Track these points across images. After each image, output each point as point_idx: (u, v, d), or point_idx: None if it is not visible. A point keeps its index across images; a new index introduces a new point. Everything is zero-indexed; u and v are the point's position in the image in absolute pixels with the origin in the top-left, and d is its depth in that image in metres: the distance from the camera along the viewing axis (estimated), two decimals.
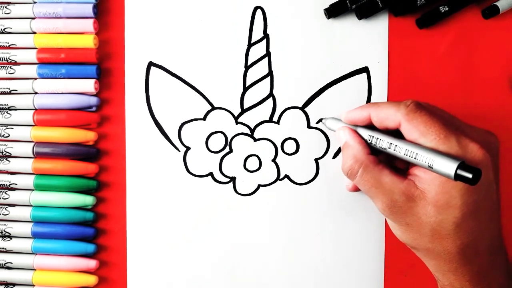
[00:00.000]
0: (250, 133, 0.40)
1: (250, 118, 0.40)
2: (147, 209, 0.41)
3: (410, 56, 0.40)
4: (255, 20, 0.40)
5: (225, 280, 0.41)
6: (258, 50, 0.40)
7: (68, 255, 0.40)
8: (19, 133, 0.40)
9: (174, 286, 0.41)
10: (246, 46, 0.40)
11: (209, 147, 0.40)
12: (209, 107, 0.40)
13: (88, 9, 0.39)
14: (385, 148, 0.33)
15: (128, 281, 0.41)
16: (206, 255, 0.41)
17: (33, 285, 0.40)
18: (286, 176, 0.41)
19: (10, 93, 0.40)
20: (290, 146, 0.40)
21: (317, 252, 0.41)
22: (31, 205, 0.40)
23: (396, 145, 0.32)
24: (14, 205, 0.40)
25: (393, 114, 0.32)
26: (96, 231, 0.41)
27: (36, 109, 0.40)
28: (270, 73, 0.40)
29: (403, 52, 0.40)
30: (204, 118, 0.40)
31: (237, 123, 0.40)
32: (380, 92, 0.40)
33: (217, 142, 0.40)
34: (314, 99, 0.40)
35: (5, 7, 0.39)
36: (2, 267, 0.40)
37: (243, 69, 0.40)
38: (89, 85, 0.39)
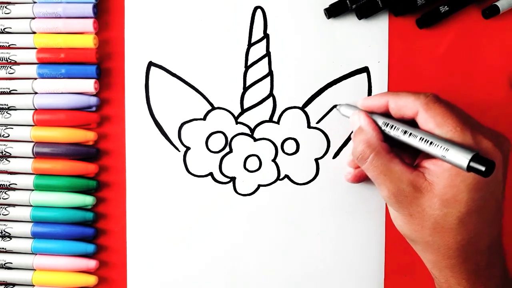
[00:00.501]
0: (250, 133, 0.40)
1: (250, 118, 0.40)
2: (147, 209, 0.41)
3: (410, 56, 0.40)
4: (255, 20, 0.40)
5: (225, 280, 0.41)
6: (258, 50, 0.40)
7: (68, 255, 0.40)
8: (19, 133, 0.40)
9: (174, 286, 0.41)
10: (246, 46, 0.40)
11: (209, 147, 0.40)
12: (209, 107, 0.40)
13: (88, 9, 0.39)
14: (398, 136, 0.33)
15: (128, 281, 0.41)
16: (206, 255, 0.41)
17: (33, 285, 0.40)
18: (286, 176, 0.41)
19: (10, 93, 0.40)
20: (290, 146, 0.40)
21: (317, 252, 0.41)
22: (31, 205, 0.40)
23: (411, 133, 0.33)
24: (14, 205, 0.40)
25: (411, 102, 0.33)
26: (96, 231, 0.41)
27: (36, 109, 0.40)
28: (270, 73, 0.40)
29: (403, 52, 0.40)
30: (204, 118, 0.40)
31: (237, 123, 0.40)
32: (380, 92, 0.40)
33: (217, 142, 0.40)
34: (314, 99, 0.40)
35: (5, 7, 0.39)
36: (2, 267, 0.40)
37: (243, 69, 0.40)
38: (89, 85, 0.39)
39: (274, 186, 0.41)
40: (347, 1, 0.38)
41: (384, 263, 0.41)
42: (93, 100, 0.40)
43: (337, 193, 0.40)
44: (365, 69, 0.40)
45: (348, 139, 0.40)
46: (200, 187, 0.41)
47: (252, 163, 0.41)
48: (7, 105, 0.40)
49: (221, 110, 0.40)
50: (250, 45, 0.40)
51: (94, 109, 0.40)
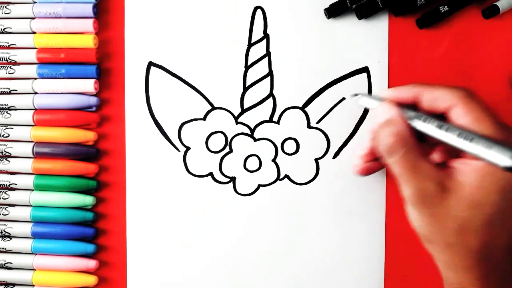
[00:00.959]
0: (250, 133, 0.40)
1: (250, 118, 0.40)
2: (147, 209, 0.41)
3: (410, 56, 0.40)
4: (255, 20, 0.40)
5: (225, 280, 0.41)
6: (258, 50, 0.40)
7: (68, 255, 0.40)
8: (19, 133, 0.40)
9: (174, 286, 0.41)
10: (246, 46, 0.40)
11: (209, 147, 0.40)
12: (209, 107, 0.40)
13: (88, 9, 0.39)
14: (430, 131, 0.31)
15: (128, 281, 0.41)
16: (206, 255, 0.41)
17: (33, 285, 0.40)
18: (286, 176, 0.41)
19: (10, 93, 0.40)
20: (290, 146, 0.40)
21: (317, 252, 0.41)
22: (31, 205, 0.40)
23: (448, 127, 0.30)
24: (14, 205, 0.40)
25: (447, 94, 0.31)
26: (96, 231, 0.41)
27: (36, 109, 0.40)
28: (270, 73, 0.40)
29: (403, 52, 0.40)
30: (204, 118, 0.40)
31: (237, 123, 0.40)
32: (380, 91, 0.40)
33: (217, 142, 0.40)
34: (314, 99, 0.40)
35: (5, 7, 0.39)
36: (2, 267, 0.40)
37: (243, 69, 0.40)
38: (89, 85, 0.39)
39: (274, 186, 0.41)
40: (347, 1, 0.38)
41: (384, 263, 0.41)
42: (93, 100, 0.40)
43: (337, 193, 0.40)
44: (365, 69, 0.40)
45: (348, 139, 0.40)
46: (200, 187, 0.41)
47: (252, 163, 0.41)
48: (7, 105, 0.40)
49: (221, 110, 0.40)
50: (250, 45, 0.40)
51: (94, 109, 0.40)
